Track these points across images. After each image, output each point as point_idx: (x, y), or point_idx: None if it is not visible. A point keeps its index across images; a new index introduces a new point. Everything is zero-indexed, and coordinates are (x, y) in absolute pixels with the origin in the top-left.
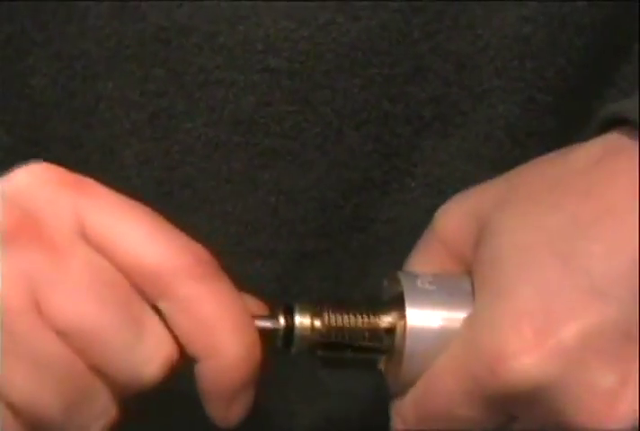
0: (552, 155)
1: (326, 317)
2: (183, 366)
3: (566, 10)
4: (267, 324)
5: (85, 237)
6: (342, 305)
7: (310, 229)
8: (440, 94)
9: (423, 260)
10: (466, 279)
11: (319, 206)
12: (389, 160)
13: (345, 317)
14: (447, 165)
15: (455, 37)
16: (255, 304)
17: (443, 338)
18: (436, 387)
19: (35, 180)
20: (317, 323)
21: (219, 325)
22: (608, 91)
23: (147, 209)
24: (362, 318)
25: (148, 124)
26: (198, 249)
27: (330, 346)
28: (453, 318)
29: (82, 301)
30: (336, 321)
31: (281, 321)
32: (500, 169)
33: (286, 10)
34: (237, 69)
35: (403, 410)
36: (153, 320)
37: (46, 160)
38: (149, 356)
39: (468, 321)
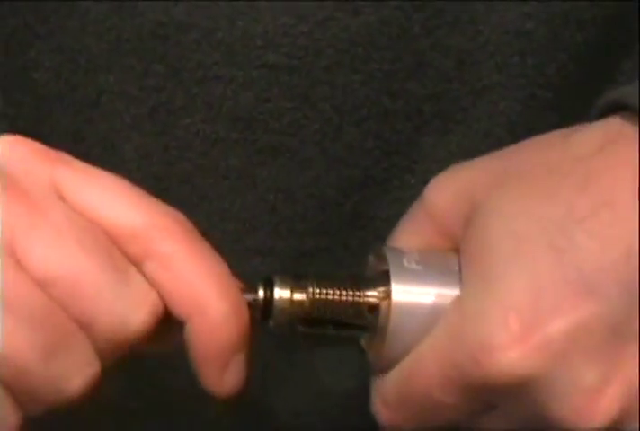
0: (551, 136)
1: (310, 291)
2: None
3: (568, 6)
4: (246, 296)
5: (63, 200)
6: (325, 280)
7: (309, 227)
8: (441, 90)
9: (410, 231)
10: (453, 258)
11: (318, 203)
12: (389, 157)
13: (330, 292)
14: (447, 162)
15: (455, 33)
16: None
17: (428, 318)
18: (418, 370)
19: (8, 149)
20: (298, 297)
21: (203, 282)
22: (609, 87)
23: (122, 178)
24: (347, 293)
25: (148, 119)
26: (176, 212)
27: (312, 321)
28: (439, 299)
29: (63, 248)
30: (320, 296)
31: (260, 293)
32: None
33: (285, 5)
34: (236, 65)
35: (384, 389)
36: (136, 272)
37: None
38: (135, 305)
39: (455, 306)
